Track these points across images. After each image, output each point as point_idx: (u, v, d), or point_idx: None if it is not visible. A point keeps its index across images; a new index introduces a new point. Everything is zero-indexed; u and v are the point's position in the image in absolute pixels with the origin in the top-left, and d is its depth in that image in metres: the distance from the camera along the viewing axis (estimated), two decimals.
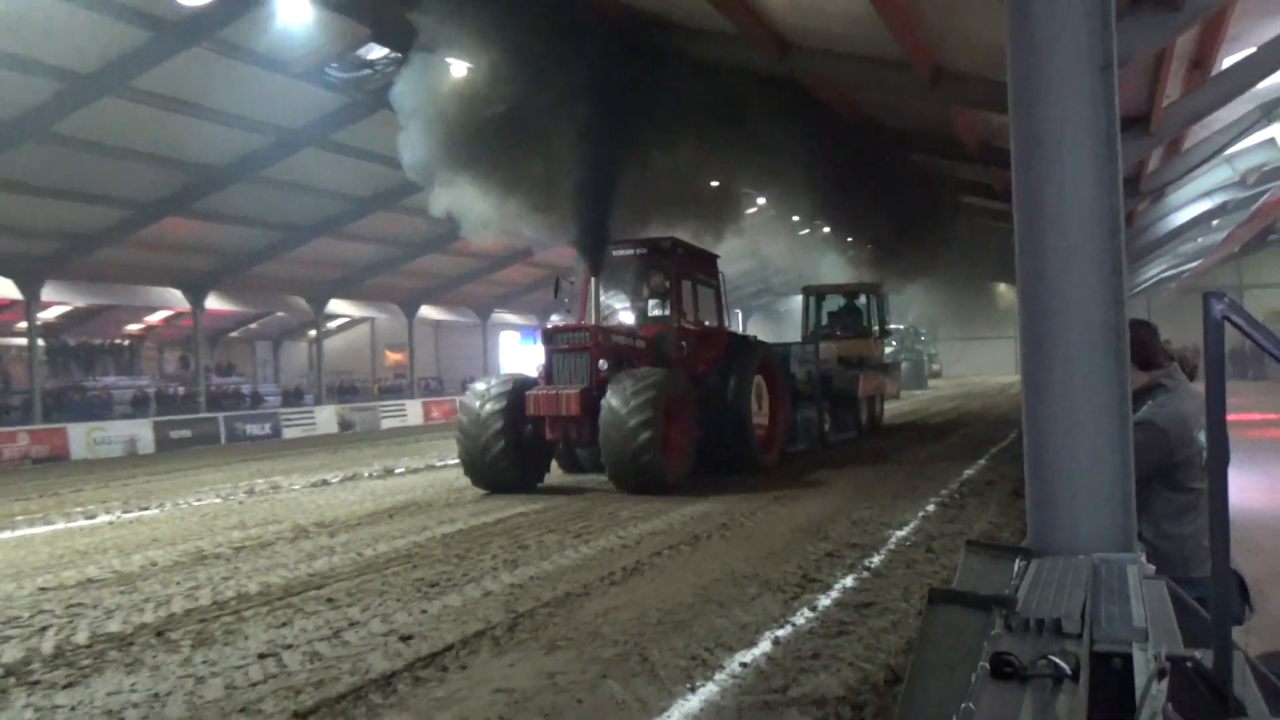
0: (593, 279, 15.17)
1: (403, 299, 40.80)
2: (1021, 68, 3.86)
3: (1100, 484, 3.46)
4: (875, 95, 15.53)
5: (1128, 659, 2.39)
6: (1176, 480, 4.16)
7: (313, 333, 40.76)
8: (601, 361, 13.86)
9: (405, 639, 6.62)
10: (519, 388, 14.01)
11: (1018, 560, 3.21)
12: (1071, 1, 3.69)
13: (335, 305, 38.83)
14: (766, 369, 16.58)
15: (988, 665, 2.16)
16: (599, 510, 12.37)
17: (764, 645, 6.27)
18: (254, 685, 5.71)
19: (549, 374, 14.20)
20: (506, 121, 15.44)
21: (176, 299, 32.85)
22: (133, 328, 39.83)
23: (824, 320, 26.68)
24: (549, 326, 15.09)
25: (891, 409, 34.51)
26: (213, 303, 33.50)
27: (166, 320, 38.85)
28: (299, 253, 31.77)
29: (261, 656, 6.28)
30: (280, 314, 40.57)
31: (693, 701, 5.25)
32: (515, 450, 13.78)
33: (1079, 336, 3.51)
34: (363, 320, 45.74)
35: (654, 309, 16.43)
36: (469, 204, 16.08)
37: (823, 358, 21.15)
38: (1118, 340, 3.52)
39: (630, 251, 15.75)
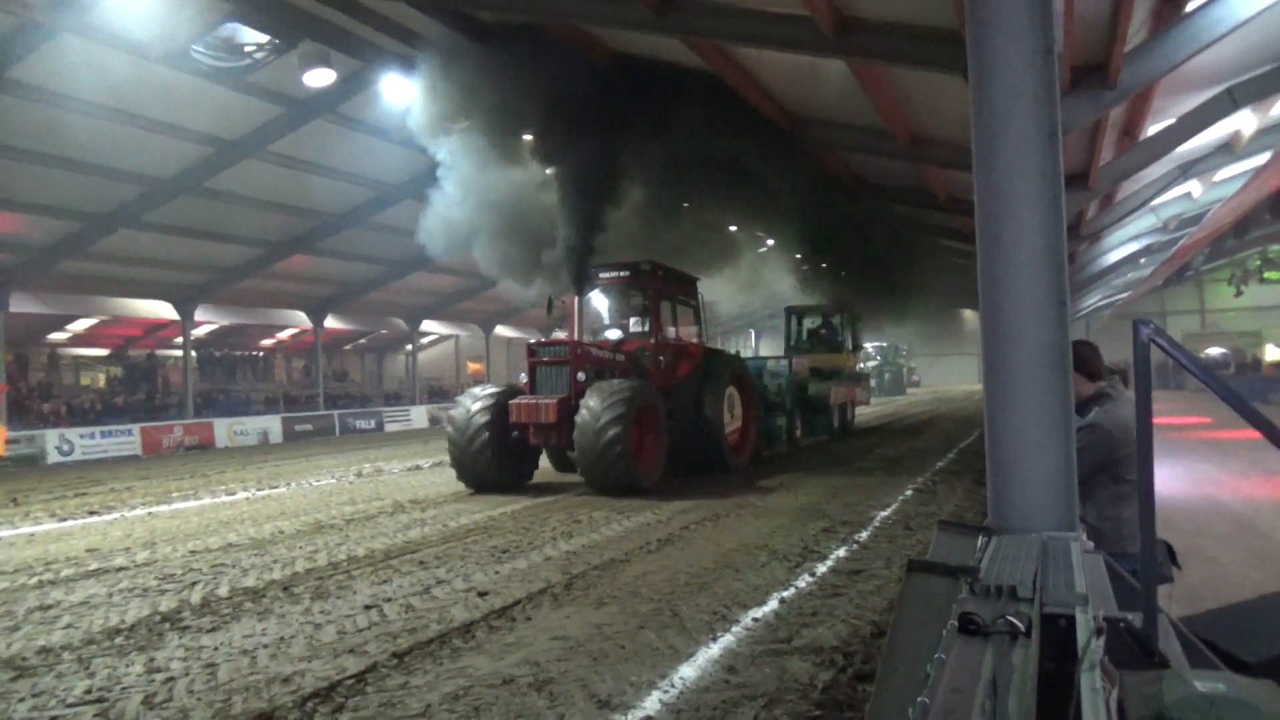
0: (577, 299, 14.30)
1: (481, 320, 41.11)
2: (983, 135, 3.84)
3: (1047, 475, 3.43)
4: (862, 156, 15.39)
5: (1071, 619, 2.36)
6: (1118, 473, 4.13)
7: (409, 347, 41.16)
8: (580, 373, 12.64)
9: (482, 594, 6.63)
10: (506, 397, 12.70)
11: (980, 537, 3.18)
12: (1024, 82, 3.67)
13: (427, 324, 39.14)
14: (739, 380, 15.34)
15: (956, 623, 2.13)
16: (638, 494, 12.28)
17: (772, 604, 6.23)
18: (360, 631, 5.75)
19: (532, 384, 12.94)
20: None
21: (301, 319, 33.30)
22: (266, 342, 40.24)
23: (804, 336, 25.61)
24: (532, 341, 13.64)
25: (875, 410, 34.26)
26: (330, 322, 33.94)
27: (293, 336, 39.22)
28: (399, 283, 32.06)
29: (367, 608, 6.32)
30: (384, 331, 40.88)
31: (714, 649, 5.22)
32: (500, 453, 12.52)
33: (1030, 355, 3.49)
34: (449, 337, 45.94)
35: (635, 326, 15.14)
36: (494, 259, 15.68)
37: (797, 369, 20.07)
38: (1062, 358, 3.49)
39: (613, 274, 14.58)
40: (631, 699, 4.43)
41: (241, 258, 26.77)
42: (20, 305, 24.18)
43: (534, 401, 12.36)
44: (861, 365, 51.45)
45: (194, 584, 7.23)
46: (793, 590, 6.63)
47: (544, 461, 14.13)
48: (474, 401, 12.69)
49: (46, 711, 4.42)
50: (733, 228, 22.39)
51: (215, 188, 21.03)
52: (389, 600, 6.51)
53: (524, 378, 13.29)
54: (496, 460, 12.47)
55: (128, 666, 5.10)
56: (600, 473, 11.66)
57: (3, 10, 13.57)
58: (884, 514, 10.10)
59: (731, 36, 10.42)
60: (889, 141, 12.80)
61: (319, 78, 15.92)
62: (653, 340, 14.23)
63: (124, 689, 4.72)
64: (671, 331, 15.07)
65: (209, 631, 5.81)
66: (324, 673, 4.88)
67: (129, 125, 17.41)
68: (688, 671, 4.82)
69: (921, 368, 63.11)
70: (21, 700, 4.58)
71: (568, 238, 13.58)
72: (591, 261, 13.96)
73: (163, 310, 28.36)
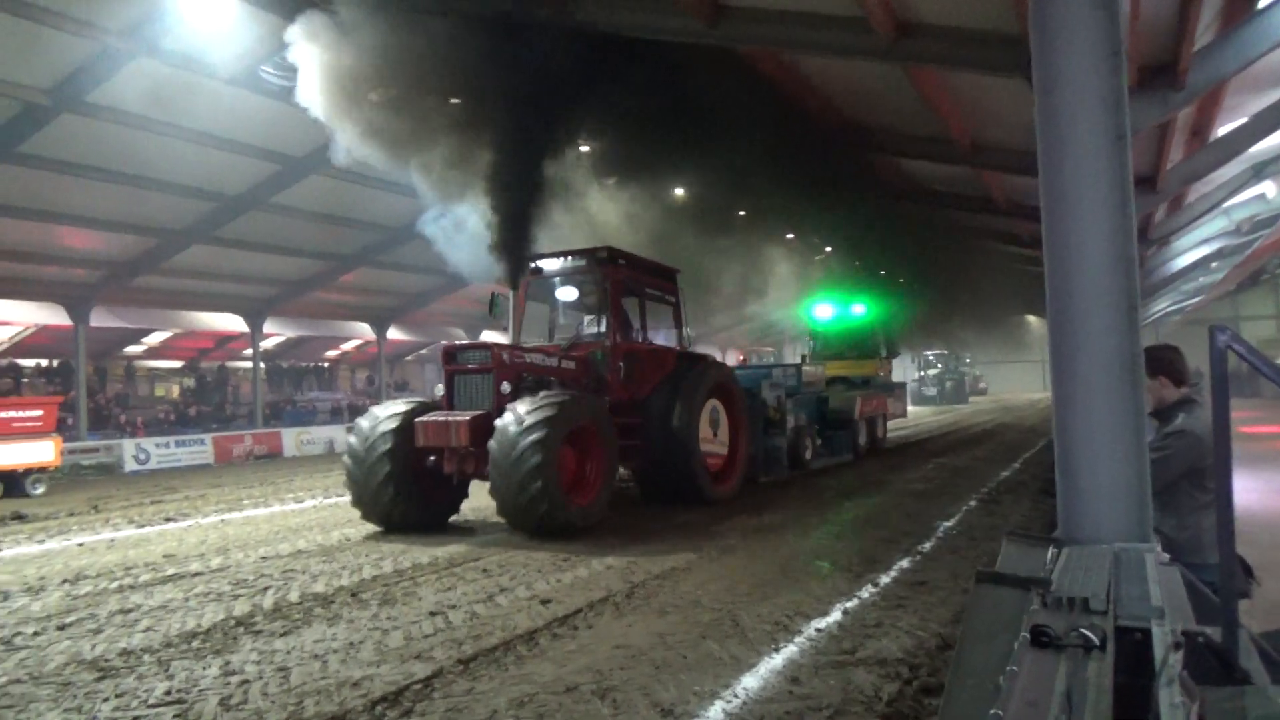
0: (512, 294, 11.79)
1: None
2: (1049, 139, 3.78)
3: (1119, 484, 3.36)
4: (918, 162, 15.18)
5: (1147, 633, 2.31)
6: (1203, 481, 4.03)
7: None
8: (504, 384, 10.11)
9: (545, 602, 6.68)
10: (416, 414, 10.16)
11: (1050, 548, 3.13)
12: (1090, 85, 3.62)
13: (486, 335, 39.64)
14: (723, 392, 12.56)
15: (1027, 635, 2.11)
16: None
17: (835, 614, 6.16)
18: (426, 637, 5.83)
19: (449, 398, 10.41)
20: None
21: (365, 330, 34.01)
22: (331, 353, 41.09)
23: (830, 341, 22.69)
24: (447, 345, 11.02)
25: (935, 420, 33.67)
26: (392, 333, 34.64)
27: (357, 347, 39.97)
28: (457, 294, 32.56)
29: (432, 614, 6.41)
30: (443, 341, 41.51)
31: (777, 659, 5.19)
32: (409, 484, 9.96)
33: (1101, 361, 3.43)
34: None
35: (590, 327, 12.50)
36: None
37: (809, 379, 17.24)
38: (1133, 364, 3.42)
39: (561, 264, 11.97)
40: (694, 708, 4.43)
41: (308, 271, 27.47)
42: (100, 319, 25.11)
43: (443, 420, 9.80)
44: (920, 373, 50.99)
45: (266, 589, 7.41)
46: (855, 601, 6.56)
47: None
48: (376, 421, 10.14)
49: (129, 712, 4.57)
50: (788, 235, 22.25)
51: (282, 203, 21.63)
52: (454, 607, 6.59)
53: (441, 390, 10.76)
54: (403, 493, 9.93)
55: (204, 669, 5.25)
56: (519, 510, 9.05)
57: (83, 36, 14.13)
58: (947, 524, 9.94)
59: (786, 44, 10.40)
60: (947, 147, 12.65)
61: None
62: (609, 343, 11.57)
63: (201, 691, 4.86)
64: (640, 334, 12.40)
65: (281, 635, 5.95)
66: (392, 678, 4.97)
67: (200, 144, 17.99)
68: (750, 682, 4.80)
69: (985, 375, 61.87)
70: (106, 700, 4.75)
71: (496, 216, 11.15)
72: (530, 246, 11.46)
73: (233, 323, 29.21)
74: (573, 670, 5.07)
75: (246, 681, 4.99)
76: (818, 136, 13.88)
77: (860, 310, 22.46)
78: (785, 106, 12.87)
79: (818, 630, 5.77)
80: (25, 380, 28.44)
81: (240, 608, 6.74)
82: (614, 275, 11.57)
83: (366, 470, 9.90)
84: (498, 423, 9.23)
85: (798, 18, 9.54)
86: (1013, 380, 62.45)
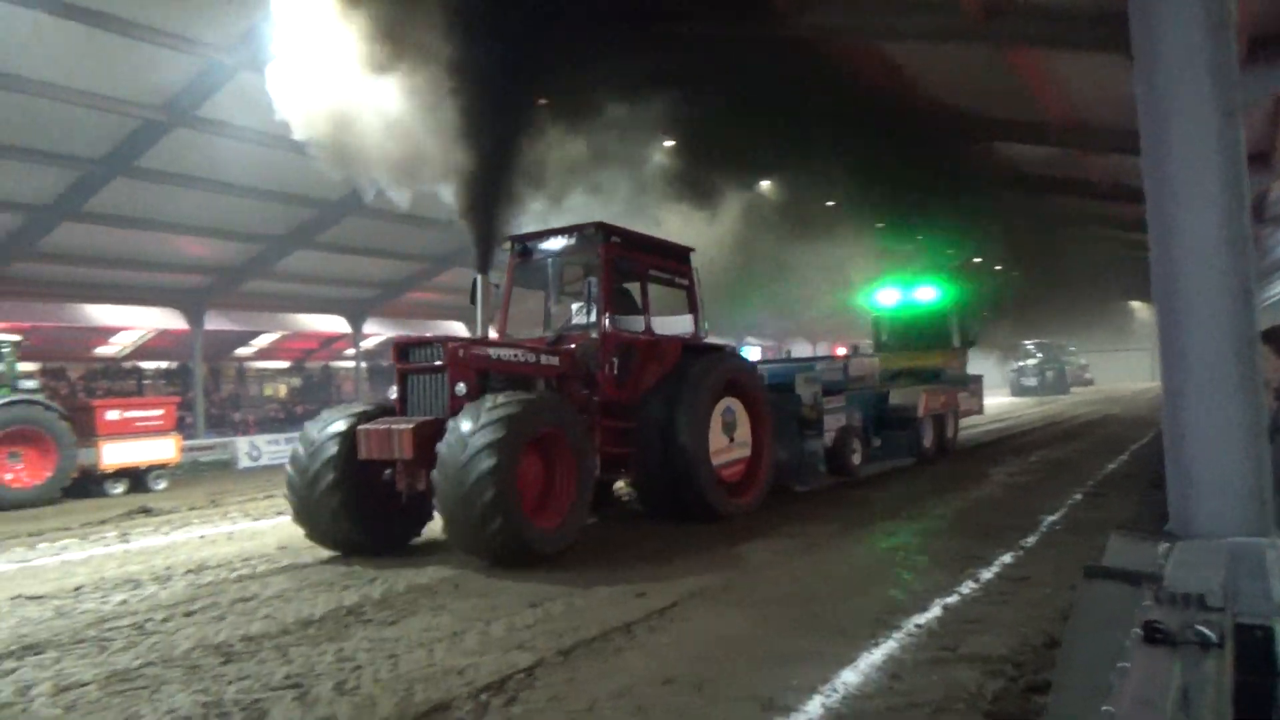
0: (479, 279, 9.95)
1: None
2: (1153, 116, 3.64)
3: (1235, 476, 3.22)
4: (1018, 148, 14.73)
5: (1269, 631, 2.22)
6: None
7: None
8: (460, 385, 8.56)
9: (640, 594, 6.77)
10: (374, 416, 8.77)
11: (1161, 543, 3.03)
12: (1196, 58, 3.46)
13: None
14: (741, 389, 10.85)
15: (1140, 632, 2.05)
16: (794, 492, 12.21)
17: (935, 610, 6.05)
18: (528, 627, 5.96)
19: (402, 402, 8.94)
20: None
21: (459, 329, 34.74)
22: None
23: (897, 331, 20.30)
24: (398, 339, 9.46)
25: (1035, 411, 32.61)
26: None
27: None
28: None
29: (532, 605, 6.53)
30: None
31: (876, 654, 5.12)
32: (357, 500, 8.48)
33: (1213, 348, 3.28)
34: None
35: (578, 316, 10.75)
36: None
37: (857, 372, 15.32)
38: (1249, 350, 3.27)
39: (549, 244, 10.50)
40: (793, 702, 4.42)
41: (404, 272, 28.30)
42: (213, 323, 26.38)
43: (385, 428, 8.29)
44: (1018, 363, 49.35)
45: (373, 580, 7.66)
46: (956, 596, 6.43)
47: None
48: (322, 428, 8.73)
49: (251, 694, 4.81)
50: (880, 226, 21.83)
51: (379, 207, 22.26)
52: (552, 599, 6.70)
53: (394, 392, 9.23)
54: (351, 510, 8.47)
55: (320, 655, 5.48)
56: (468, 529, 7.51)
57: (190, 53, 14.85)
58: (1051, 519, 9.64)
59: (871, 32, 10.23)
60: (1042, 129, 12.26)
61: None
62: (597, 334, 9.90)
63: (317, 675, 5.08)
64: (641, 322, 10.47)
65: (389, 625, 6.16)
66: (496, 666, 5.09)
67: (300, 153, 18.63)
68: (850, 676, 4.76)
69: (1091, 365, 59.48)
70: (230, 683, 5.01)
71: (462, 190, 9.82)
72: (500, 223, 10.09)
73: (335, 324, 30.29)
74: (670, 662, 5.11)
75: (359, 667, 5.19)
76: (906, 124, 13.61)
77: (930, 295, 19.91)
78: (870, 95, 12.65)
79: (917, 626, 5.68)
80: (147, 382, 30.09)
81: (350, 598, 6.99)
82: (606, 255, 9.94)
83: (308, 482, 8.42)
84: (450, 424, 7.77)
85: (885, 4, 9.40)
86: (1118, 370, 59.96)
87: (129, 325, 28.02)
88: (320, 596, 7.12)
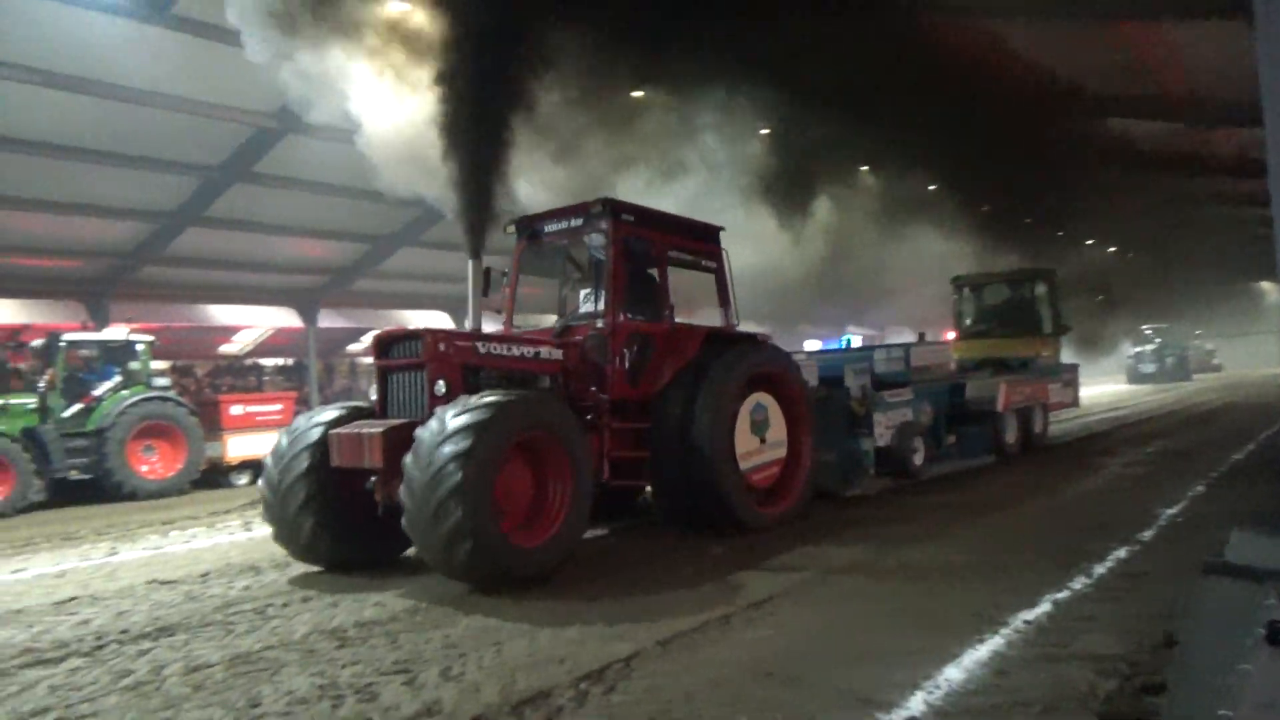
0: (472, 263, 9.32)
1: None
2: (1276, 85, 3.43)
3: None
4: (1133, 124, 14.05)
5: None
6: None
7: None
8: (439, 383, 7.60)
9: (736, 588, 6.74)
10: (350, 419, 7.97)
11: None
12: None
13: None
14: (775, 383, 9.56)
15: (1263, 632, 1.94)
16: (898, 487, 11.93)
17: (1044, 606, 5.83)
18: (627, 616, 5.98)
19: (383, 403, 8.07)
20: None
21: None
22: None
23: (983, 315, 18.64)
24: (380, 333, 8.44)
25: (1152, 399, 31.04)
26: None
27: None
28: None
29: (630, 595, 6.60)
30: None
31: (981, 651, 4.98)
32: (333, 511, 7.66)
33: None
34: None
35: (585, 304, 9.61)
36: None
37: (921, 361, 13.70)
38: None
39: (556, 225, 9.51)
40: (894, 698, 4.34)
41: (506, 267, 28.83)
42: (326, 321, 27.47)
43: (356, 432, 7.45)
44: (1136, 349, 47.11)
45: None
46: (1066, 592, 6.20)
47: None
48: (293, 437, 7.98)
49: (364, 678, 5.01)
50: (985, 209, 21.14)
51: None
52: (649, 593, 6.73)
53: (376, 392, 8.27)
54: (328, 523, 7.66)
55: (426, 641, 5.66)
56: (438, 551, 6.56)
57: None
58: (1170, 512, 9.19)
59: (982, 8, 9.93)
60: (1157, 103, 11.67)
61: None
62: (602, 323, 8.76)
63: (424, 661, 5.25)
64: (667, 312, 9.40)
65: (493, 613, 6.28)
66: (596, 655, 5.16)
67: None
68: (953, 673, 4.64)
69: (1219, 350, 56.27)
70: (344, 666, 5.22)
71: (452, 164, 9.05)
72: (493, 204, 9.25)
73: (439, 319, 31.10)
74: (767, 654, 5.09)
75: (464, 654, 5.33)
76: (1012, 102, 13.14)
77: (1017, 279, 18.42)
78: (975, 73, 12.26)
79: (1025, 622, 5.49)
80: (266, 378, 31.57)
81: (456, 586, 7.15)
82: (615, 234, 8.86)
83: (281, 495, 7.66)
84: (417, 431, 6.79)
85: None
86: (1247, 354, 56.54)
87: (249, 324, 29.42)
88: (424, 584, 7.34)
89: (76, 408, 16.09)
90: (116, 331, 18.31)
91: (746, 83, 13.59)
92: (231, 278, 24.55)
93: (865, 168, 19.01)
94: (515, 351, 8.34)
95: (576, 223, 9.24)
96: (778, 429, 9.52)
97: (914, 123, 13.49)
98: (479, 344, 8.11)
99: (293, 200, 20.65)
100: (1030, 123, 14.06)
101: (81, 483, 15.82)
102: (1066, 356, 19.24)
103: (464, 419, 6.55)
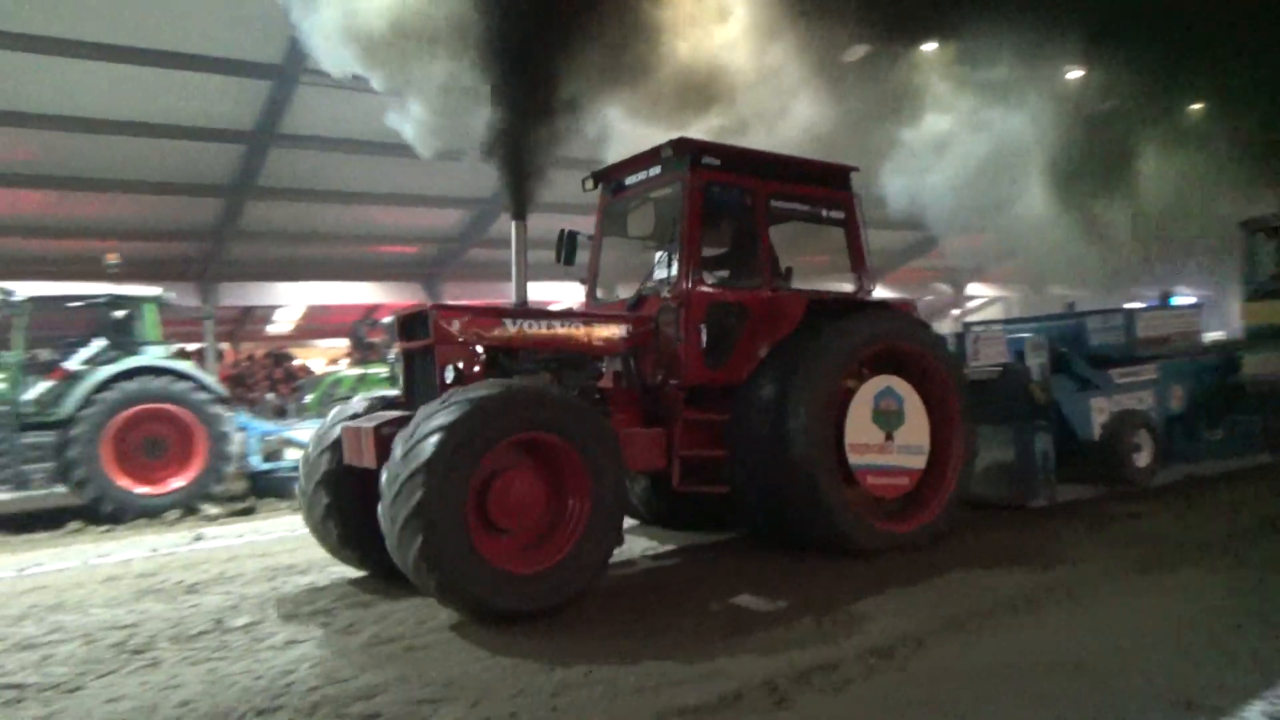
0: (515, 224, 7.39)
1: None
2: None
3: None
4: None
5: None
6: None
7: (955, 312, 40.06)
8: (448, 368, 6.33)
9: (1047, 568, 6.32)
10: (374, 410, 6.79)
11: None
12: None
13: (972, 289, 37.89)
14: (904, 365, 7.42)
15: None
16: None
17: None
18: (916, 596, 5.86)
19: (408, 391, 6.89)
20: None
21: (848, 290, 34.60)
22: None
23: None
24: (400, 312, 7.11)
25: None
26: (876, 292, 34.59)
27: None
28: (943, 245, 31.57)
29: (913, 584, 6.41)
30: (928, 298, 40.43)
31: None
32: (351, 513, 6.49)
33: None
34: (997, 299, 43.76)
35: (659, 271, 7.55)
36: None
37: (1175, 329, 10.47)
38: None
39: (640, 175, 7.74)
40: (1225, 703, 3.88)
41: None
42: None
43: (356, 427, 6.36)
44: None
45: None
46: None
47: None
48: (321, 431, 6.85)
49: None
50: None
51: None
52: (942, 574, 6.42)
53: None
54: (353, 529, 6.52)
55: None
56: (410, 572, 5.34)
57: None
58: None
59: None
60: None
61: None
62: (684, 292, 7.02)
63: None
64: (767, 278, 7.48)
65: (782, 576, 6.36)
66: (889, 631, 5.06)
67: None
68: None
69: None
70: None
71: (496, 114, 7.18)
72: (534, 160, 7.26)
73: None
74: (1078, 644, 4.73)
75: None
76: None
77: None
78: None
79: None
80: None
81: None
82: (693, 183, 7.09)
83: (309, 499, 6.70)
84: (400, 433, 5.59)
85: None
86: None
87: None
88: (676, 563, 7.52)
89: None
90: None
91: (1050, 21, 12.48)
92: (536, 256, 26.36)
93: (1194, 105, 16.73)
94: (561, 329, 6.85)
95: (655, 171, 7.59)
96: (915, 426, 7.30)
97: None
98: (508, 320, 6.66)
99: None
100: None
101: None
102: None
103: (438, 419, 5.33)
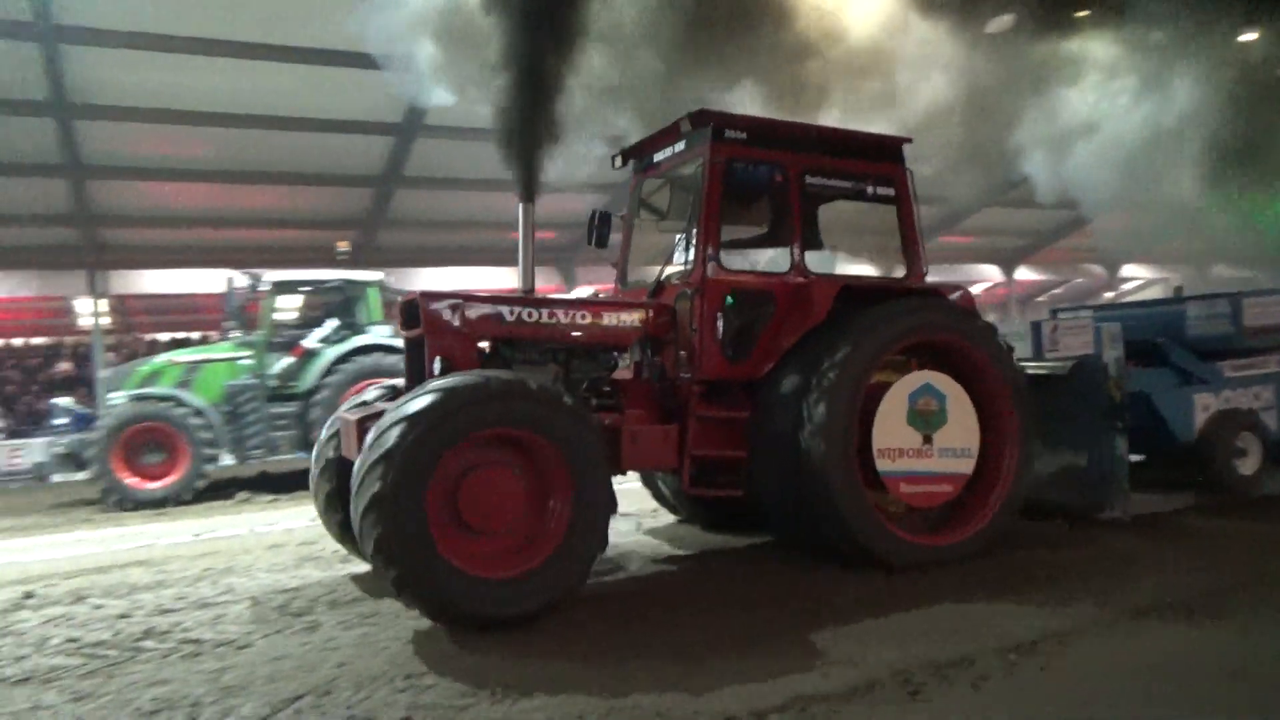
0: (522, 206, 6.70)
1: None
2: None
3: None
4: None
5: None
6: None
7: (1108, 295, 37.74)
8: (438, 359, 5.94)
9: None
10: (384, 399, 6.53)
11: None
12: None
13: (1130, 269, 35.62)
14: (957, 361, 6.66)
15: None
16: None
17: None
18: (1073, 593, 5.64)
19: (410, 381, 6.44)
20: None
21: (994, 272, 33.41)
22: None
23: None
24: (406, 296, 6.61)
25: None
26: (1022, 274, 33.44)
27: (986, 290, 39.18)
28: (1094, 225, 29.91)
29: (1050, 578, 6.16)
30: (1079, 280, 38.29)
31: None
32: (348, 496, 5.30)
33: None
34: (1157, 280, 41.02)
35: (679, 255, 6.97)
36: None
37: (1250, 316, 8.87)
38: None
39: (667, 152, 7.17)
40: None
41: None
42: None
43: (348, 418, 6.18)
44: None
45: None
46: None
47: None
48: (332, 419, 6.78)
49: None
50: None
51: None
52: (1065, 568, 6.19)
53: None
54: (349, 515, 5.37)
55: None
56: (371, 565, 5.25)
57: None
58: None
59: None
60: None
61: None
62: (699, 277, 6.47)
63: None
64: (796, 260, 6.75)
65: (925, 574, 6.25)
66: (1031, 626, 4.90)
67: None
68: None
69: None
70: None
71: (506, 89, 6.52)
72: (545, 133, 6.58)
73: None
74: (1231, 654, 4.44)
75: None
76: None
77: None
78: None
79: None
80: None
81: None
82: (714, 158, 6.52)
83: (315, 487, 6.62)
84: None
85: None
86: None
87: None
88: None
89: None
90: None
91: None
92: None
93: None
94: (565, 318, 6.42)
95: (680, 147, 7.01)
96: (961, 427, 6.49)
97: None
98: (505, 310, 6.26)
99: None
100: None
101: None
102: None
103: (404, 409, 5.06)
